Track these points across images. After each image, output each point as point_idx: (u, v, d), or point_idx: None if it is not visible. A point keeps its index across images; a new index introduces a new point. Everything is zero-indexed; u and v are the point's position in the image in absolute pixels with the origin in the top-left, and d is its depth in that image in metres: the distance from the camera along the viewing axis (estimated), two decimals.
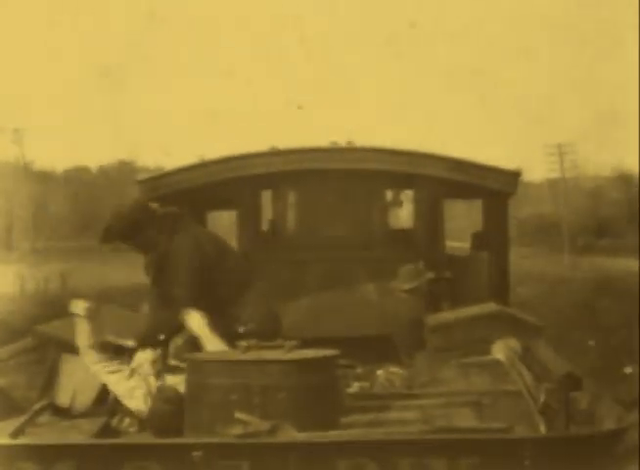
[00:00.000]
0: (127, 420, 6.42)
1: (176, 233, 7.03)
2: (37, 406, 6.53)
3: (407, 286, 8.45)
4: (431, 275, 8.58)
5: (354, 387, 6.97)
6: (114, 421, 6.43)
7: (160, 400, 6.33)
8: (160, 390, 6.50)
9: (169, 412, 6.23)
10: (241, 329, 6.62)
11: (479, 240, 9.79)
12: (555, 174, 45.38)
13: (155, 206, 7.59)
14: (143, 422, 6.44)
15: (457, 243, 10.41)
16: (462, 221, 10.87)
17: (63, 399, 6.77)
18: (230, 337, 6.72)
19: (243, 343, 6.24)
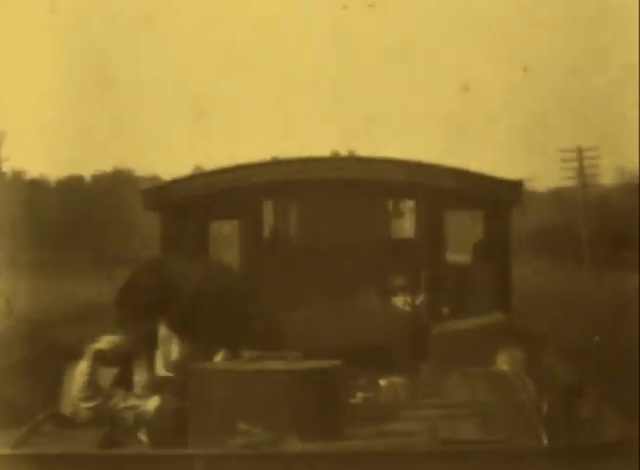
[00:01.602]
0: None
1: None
2: (40, 416, 6.52)
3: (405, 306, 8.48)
4: (423, 298, 8.59)
5: (358, 397, 6.97)
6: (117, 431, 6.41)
7: (161, 415, 6.33)
8: (162, 405, 6.50)
9: (170, 427, 6.23)
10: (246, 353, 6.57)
11: (480, 250, 9.78)
12: (570, 182, 43.29)
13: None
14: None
15: (459, 256, 10.38)
16: (466, 233, 10.82)
17: (66, 408, 6.76)
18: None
19: (246, 353, 6.25)
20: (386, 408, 6.77)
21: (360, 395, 7.02)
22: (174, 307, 7.01)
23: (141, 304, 6.97)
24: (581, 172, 41.65)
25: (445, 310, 8.89)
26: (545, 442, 5.76)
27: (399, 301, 8.50)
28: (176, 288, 7.09)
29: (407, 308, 8.43)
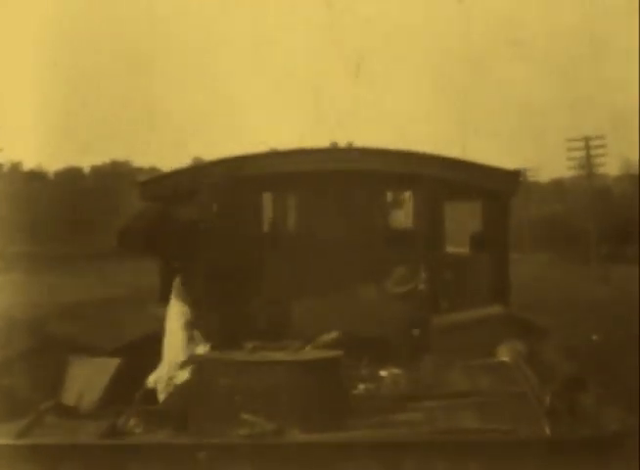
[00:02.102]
0: (133, 421, 6.43)
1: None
2: (43, 407, 6.53)
3: (399, 289, 8.46)
4: (423, 277, 8.58)
5: (360, 388, 6.98)
6: (120, 422, 6.43)
7: (178, 396, 6.37)
8: (180, 386, 6.53)
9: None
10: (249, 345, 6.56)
11: (478, 241, 9.77)
12: (575, 172, 42.15)
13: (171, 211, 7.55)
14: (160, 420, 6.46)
15: (459, 247, 10.38)
16: (465, 225, 10.82)
17: (69, 399, 6.78)
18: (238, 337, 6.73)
19: (249, 344, 6.26)
20: (387, 399, 6.78)
21: (362, 386, 7.04)
22: (175, 244, 6.97)
23: (142, 238, 6.93)
24: (588, 162, 40.83)
25: (445, 302, 8.89)
26: (548, 432, 5.78)
27: (397, 291, 8.49)
28: (180, 229, 7.06)
29: (407, 297, 8.42)
